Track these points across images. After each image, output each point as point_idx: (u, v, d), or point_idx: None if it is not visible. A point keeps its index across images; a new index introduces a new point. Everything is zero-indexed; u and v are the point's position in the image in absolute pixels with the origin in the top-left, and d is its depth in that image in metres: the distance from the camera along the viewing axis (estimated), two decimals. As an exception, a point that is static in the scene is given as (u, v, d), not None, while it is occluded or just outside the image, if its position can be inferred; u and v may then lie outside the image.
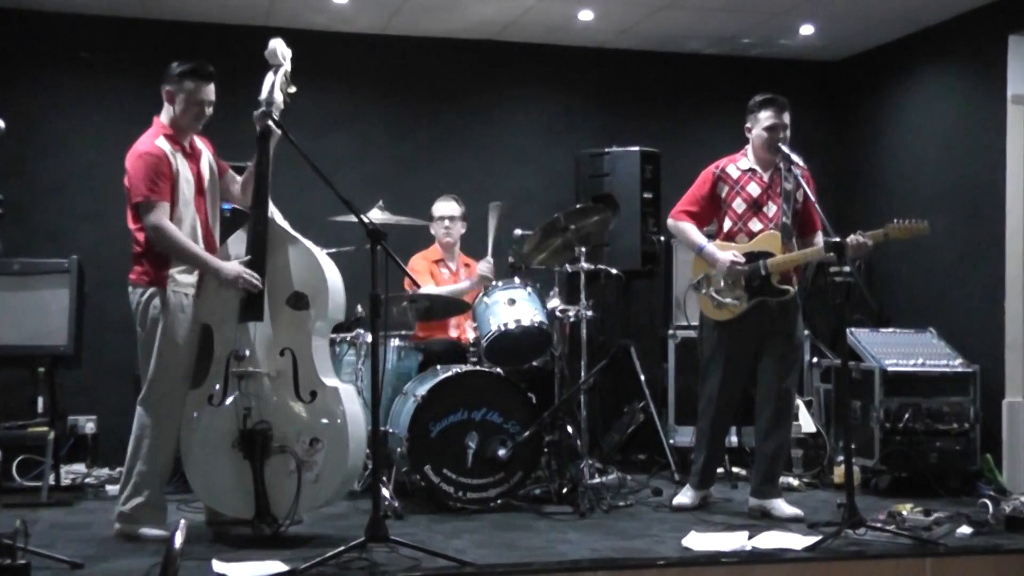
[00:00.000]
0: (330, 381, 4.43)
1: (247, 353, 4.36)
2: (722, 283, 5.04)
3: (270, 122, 4.45)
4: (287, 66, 4.58)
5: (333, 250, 5.41)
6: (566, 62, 7.34)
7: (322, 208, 5.55)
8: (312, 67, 6.76)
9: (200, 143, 4.61)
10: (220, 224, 4.73)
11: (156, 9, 6.54)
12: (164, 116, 4.50)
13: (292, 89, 4.59)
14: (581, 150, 7.05)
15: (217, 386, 4.39)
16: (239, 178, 4.70)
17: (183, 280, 4.42)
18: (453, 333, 5.99)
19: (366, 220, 4.26)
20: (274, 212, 4.52)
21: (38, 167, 6.54)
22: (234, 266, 4.39)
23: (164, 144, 4.40)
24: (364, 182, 6.61)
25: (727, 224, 5.13)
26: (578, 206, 5.69)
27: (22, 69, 6.56)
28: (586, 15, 6.66)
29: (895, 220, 4.78)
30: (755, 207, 5.08)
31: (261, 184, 4.47)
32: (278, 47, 4.56)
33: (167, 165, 4.37)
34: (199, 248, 4.43)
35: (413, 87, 7.14)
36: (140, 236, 4.40)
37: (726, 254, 5.00)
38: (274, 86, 4.53)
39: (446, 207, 6.10)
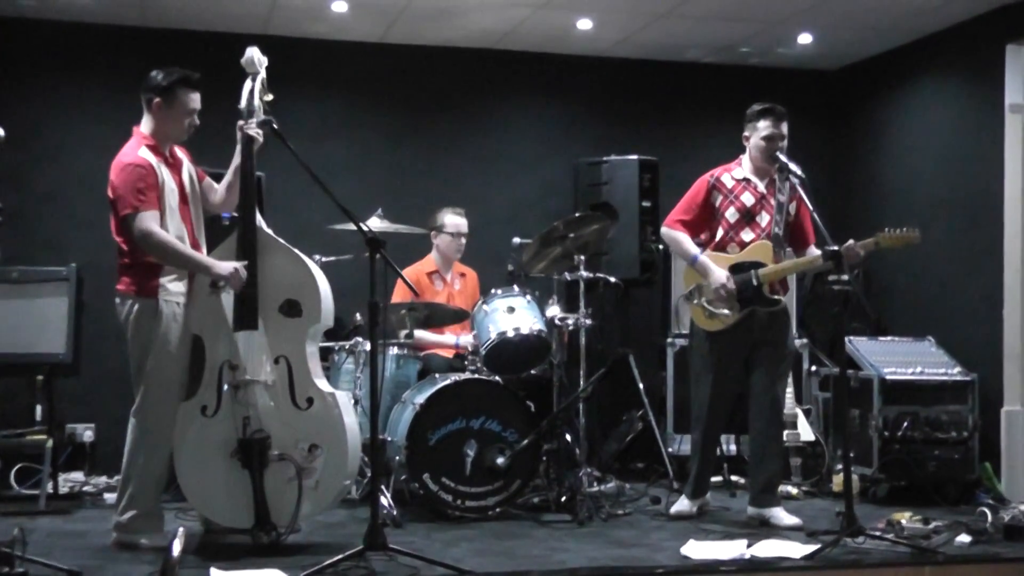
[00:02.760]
0: (325, 386, 4.43)
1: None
2: (713, 294, 5.03)
3: (271, 128, 4.42)
4: (263, 73, 4.56)
5: (332, 258, 5.42)
6: (565, 71, 7.34)
7: (320, 216, 5.55)
8: (311, 75, 6.86)
9: (179, 152, 4.58)
10: (217, 231, 4.71)
11: (155, 18, 6.55)
12: (145, 126, 4.47)
13: (269, 96, 4.57)
14: (579, 158, 7.05)
15: (210, 396, 4.38)
16: (216, 186, 4.66)
17: (174, 289, 4.40)
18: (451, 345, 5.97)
19: (365, 228, 4.26)
20: (260, 222, 4.49)
21: (37, 175, 6.53)
22: (228, 263, 4.35)
23: (147, 155, 4.37)
24: (362, 190, 6.59)
25: (719, 233, 5.12)
26: (577, 214, 5.69)
27: (21, 77, 6.56)
28: (585, 24, 6.67)
29: (886, 229, 4.77)
30: (748, 217, 5.07)
31: (247, 190, 4.43)
32: (254, 54, 4.53)
33: (152, 175, 4.33)
34: (190, 250, 4.38)
35: (412, 96, 7.15)
36: (126, 247, 4.37)
37: (720, 273, 4.99)
38: (252, 94, 4.51)
39: (462, 223, 6.06)
